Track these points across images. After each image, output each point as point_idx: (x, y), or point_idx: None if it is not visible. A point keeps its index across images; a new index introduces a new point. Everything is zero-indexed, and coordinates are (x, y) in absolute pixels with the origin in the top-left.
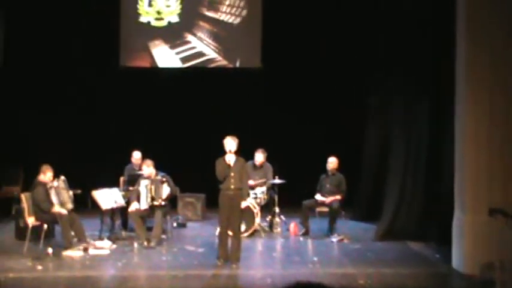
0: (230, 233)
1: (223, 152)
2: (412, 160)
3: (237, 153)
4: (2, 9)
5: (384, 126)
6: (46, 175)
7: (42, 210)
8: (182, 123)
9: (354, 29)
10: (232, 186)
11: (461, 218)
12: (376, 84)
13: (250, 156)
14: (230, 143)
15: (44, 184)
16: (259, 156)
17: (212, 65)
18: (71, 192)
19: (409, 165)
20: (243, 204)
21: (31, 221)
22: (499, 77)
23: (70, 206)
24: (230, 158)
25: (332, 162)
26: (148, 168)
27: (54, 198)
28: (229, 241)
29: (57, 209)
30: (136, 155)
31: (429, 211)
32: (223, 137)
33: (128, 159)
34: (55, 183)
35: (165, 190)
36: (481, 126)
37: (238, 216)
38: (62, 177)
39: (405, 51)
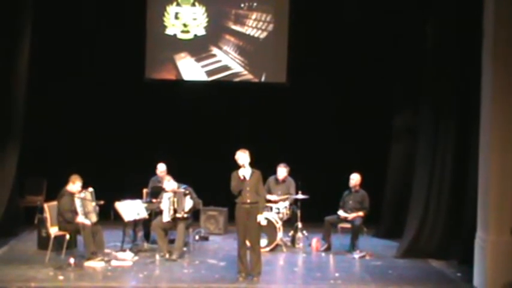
0: (248, 243)
1: (239, 166)
2: (437, 179)
3: (252, 165)
4: (28, 18)
5: (409, 145)
6: (75, 184)
7: (66, 219)
8: (206, 136)
9: (382, 47)
10: (248, 200)
11: (483, 237)
12: (403, 103)
13: (273, 171)
14: (242, 157)
15: (71, 194)
16: (282, 171)
17: (237, 79)
18: (94, 204)
19: (433, 184)
20: (259, 218)
21: (54, 230)
22: None
23: (94, 218)
24: (244, 172)
25: (354, 178)
26: (169, 183)
27: (79, 208)
28: (249, 255)
29: (81, 219)
30: (161, 167)
31: (452, 230)
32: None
33: (151, 171)
34: (82, 194)
35: (188, 203)
36: (506, 148)
37: (256, 230)
38: (90, 189)
39: (432, 73)
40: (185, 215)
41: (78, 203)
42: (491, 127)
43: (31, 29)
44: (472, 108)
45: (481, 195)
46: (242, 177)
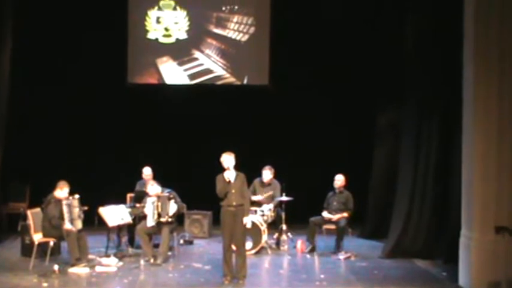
0: (234, 247)
1: (224, 169)
2: (420, 179)
3: (236, 168)
4: (9, 22)
5: (393, 144)
6: (63, 190)
7: (52, 225)
8: (189, 139)
9: (365, 48)
10: (234, 203)
11: (468, 236)
12: (386, 103)
13: (257, 174)
14: (228, 160)
15: (59, 200)
16: (267, 174)
17: (220, 82)
18: (80, 210)
19: (417, 184)
20: (245, 220)
21: (37, 237)
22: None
23: (80, 224)
24: (230, 175)
25: (339, 180)
26: (152, 187)
27: (66, 214)
28: (234, 258)
29: (67, 226)
30: (147, 171)
31: (436, 229)
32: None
33: (135, 175)
34: (69, 201)
35: (172, 207)
36: (489, 146)
37: (241, 233)
38: (77, 196)
39: (415, 73)
40: (169, 219)
41: (65, 209)
42: (474, 126)
43: (12, 34)
44: (455, 107)
45: (465, 194)
46: (228, 180)
